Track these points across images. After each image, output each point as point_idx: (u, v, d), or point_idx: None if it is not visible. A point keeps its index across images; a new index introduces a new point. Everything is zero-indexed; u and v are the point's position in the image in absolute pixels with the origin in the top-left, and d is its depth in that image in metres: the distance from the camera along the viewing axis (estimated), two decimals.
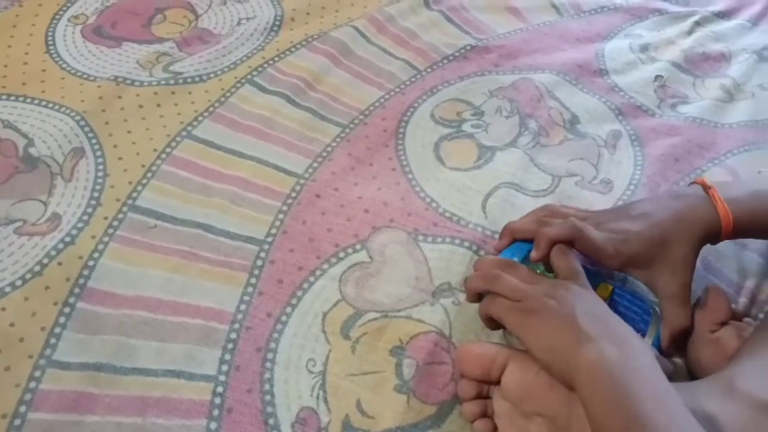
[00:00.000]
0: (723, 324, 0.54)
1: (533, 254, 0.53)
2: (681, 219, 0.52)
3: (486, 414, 0.49)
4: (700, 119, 0.75)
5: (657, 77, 0.80)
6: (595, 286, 0.54)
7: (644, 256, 0.52)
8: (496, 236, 0.61)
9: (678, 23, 0.90)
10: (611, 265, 0.53)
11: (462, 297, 0.56)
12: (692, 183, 0.56)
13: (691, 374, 0.54)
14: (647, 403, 0.38)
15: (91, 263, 0.55)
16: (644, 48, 0.85)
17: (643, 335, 0.54)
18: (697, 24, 0.90)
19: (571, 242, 0.52)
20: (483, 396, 0.49)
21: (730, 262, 0.61)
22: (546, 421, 0.46)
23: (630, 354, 0.42)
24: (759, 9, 0.94)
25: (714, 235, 0.53)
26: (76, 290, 0.53)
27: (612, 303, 0.55)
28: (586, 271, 0.51)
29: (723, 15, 0.92)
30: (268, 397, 0.49)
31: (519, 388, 0.46)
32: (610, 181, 0.68)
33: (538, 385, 0.46)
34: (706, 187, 0.53)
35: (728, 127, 0.75)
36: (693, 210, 0.53)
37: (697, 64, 0.83)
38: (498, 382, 0.48)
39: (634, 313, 0.55)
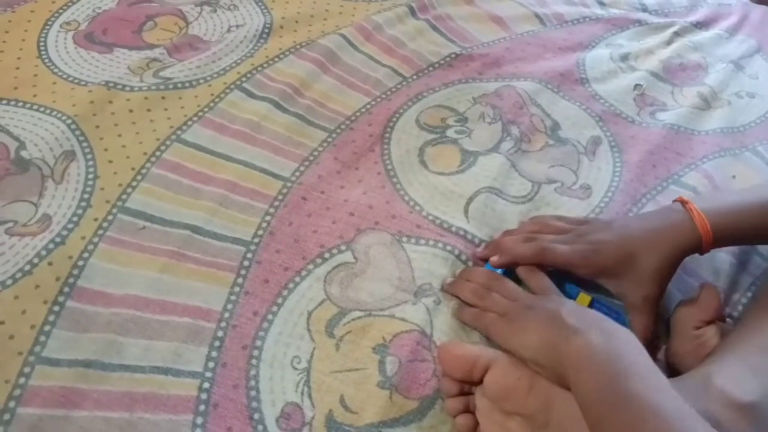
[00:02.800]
0: (709, 323, 0.55)
1: (493, 259, 0.58)
2: (653, 232, 0.55)
3: (468, 409, 0.50)
4: (677, 126, 0.78)
5: (636, 86, 0.82)
6: (574, 297, 0.57)
7: (612, 266, 0.55)
8: (476, 240, 0.62)
9: (658, 33, 0.92)
10: (583, 273, 0.56)
11: (443, 297, 0.58)
12: (674, 201, 0.58)
13: (670, 366, 0.55)
14: (633, 382, 0.40)
15: (80, 263, 0.56)
16: (624, 57, 0.87)
17: None
18: (676, 34, 0.92)
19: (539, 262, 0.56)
20: (465, 392, 0.50)
21: (703, 262, 0.63)
22: (525, 420, 0.47)
23: (617, 339, 0.44)
24: (736, 20, 0.97)
25: (694, 247, 0.54)
26: (66, 289, 0.54)
27: None
28: (566, 282, 0.54)
29: (701, 25, 0.95)
30: (253, 393, 0.50)
31: (500, 391, 0.48)
32: (590, 187, 0.70)
33: (518, 389, 0.47)
34: (683, 202, 0.56)
35: (704, 133, 0.78)
36: (668, 223, 0.55)
37: (674, 73, 0.86)
38: (479, 382, 0.49)
39: None
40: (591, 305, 0.57)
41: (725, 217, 0.54)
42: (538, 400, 0.46)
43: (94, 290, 0.55)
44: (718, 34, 0.94)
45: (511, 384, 0.47)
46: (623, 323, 0.56)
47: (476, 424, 0.49)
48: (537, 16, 0.93)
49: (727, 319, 0.58)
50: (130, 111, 0.70)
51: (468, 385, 0.50)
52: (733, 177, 0.72)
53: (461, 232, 0.63)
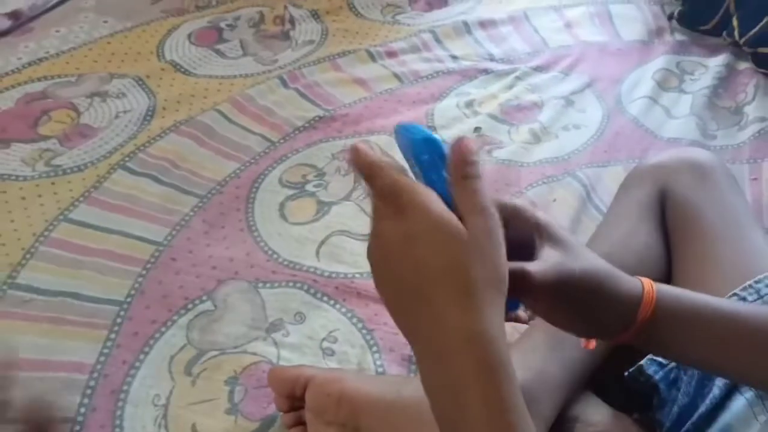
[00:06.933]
0: None
1: None
2: None
3: (300, 422, 0.59)
4: (508, 161, 0.90)
5: (475, 128, 0.95)
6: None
7: None
8: (326, 275, 0.73)
9: (501, 79, 1.06)
10: None
11: (292, 329, 0.68)
12: None
13: None
14: None
15: None
16: (469, 104, 1.00)
17: None
18: (518, 78, 1.06)
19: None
20: (297, 407, 0.60)
21: None
22: (339, 428, 0.56)
23: None
24: (572, 60, 1.10)
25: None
26: None
27: None
28: None
29: (541, 69, 1.09)
30: (117, 431, 0.59)
31: (316, 405, 0.57)
32: None
33: (329, 402, 0.56)
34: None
35: (532, 165, 0.90)
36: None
37: (512, 114, 0.98)
38: (302, 398, 0.59)
39: None
40: None
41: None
42: (346, 411, 0.56)
43: None
44: (555, 75, 1.07)
45: (324, 399, 0.56)
46: None
47: None
48: (395, 75, 1.05)
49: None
50: (23, 198, 0.80)
51: (299, 401, 0.59)
52: (554, 200, 0.84)
53: (311, 270, 0.74)
